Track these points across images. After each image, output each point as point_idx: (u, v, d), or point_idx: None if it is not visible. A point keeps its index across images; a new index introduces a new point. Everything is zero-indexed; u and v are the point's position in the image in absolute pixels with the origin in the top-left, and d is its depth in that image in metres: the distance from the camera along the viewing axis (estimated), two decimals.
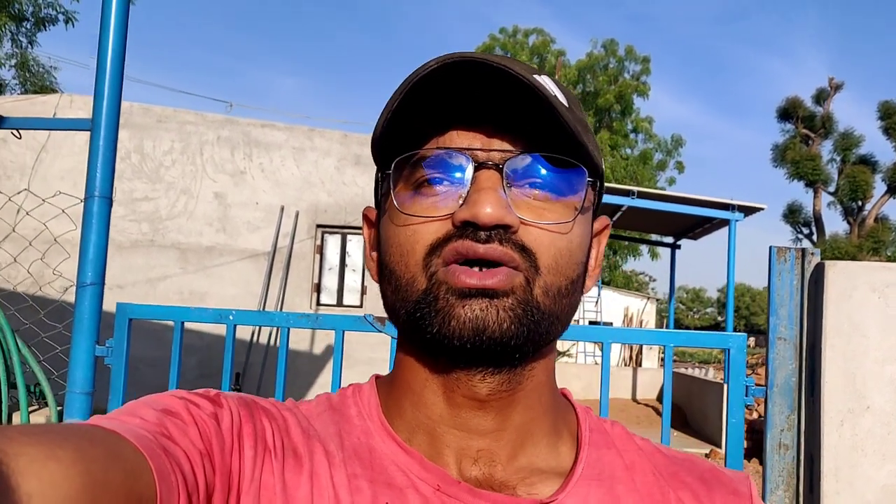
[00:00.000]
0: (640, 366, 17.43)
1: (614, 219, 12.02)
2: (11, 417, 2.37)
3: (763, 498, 2.14)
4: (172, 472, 0.52)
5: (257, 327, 7.90)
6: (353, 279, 8.89)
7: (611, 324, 20.48)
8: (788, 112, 29.72)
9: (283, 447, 0.64)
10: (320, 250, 8.88)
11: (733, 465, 2.12)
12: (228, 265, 8.63)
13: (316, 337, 8.42)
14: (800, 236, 30.19)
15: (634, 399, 14.03)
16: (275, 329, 8.07)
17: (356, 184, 8.73)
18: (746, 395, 2.14)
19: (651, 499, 0.67)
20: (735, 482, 0.72)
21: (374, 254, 0.72)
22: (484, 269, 0.59)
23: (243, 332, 7.81)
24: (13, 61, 18.55)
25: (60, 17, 17.36)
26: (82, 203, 2.32)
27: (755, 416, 9.96)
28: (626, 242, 26.04)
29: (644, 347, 18.41)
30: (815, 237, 29.25)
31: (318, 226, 8.84)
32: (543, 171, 0.62)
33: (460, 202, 0.60)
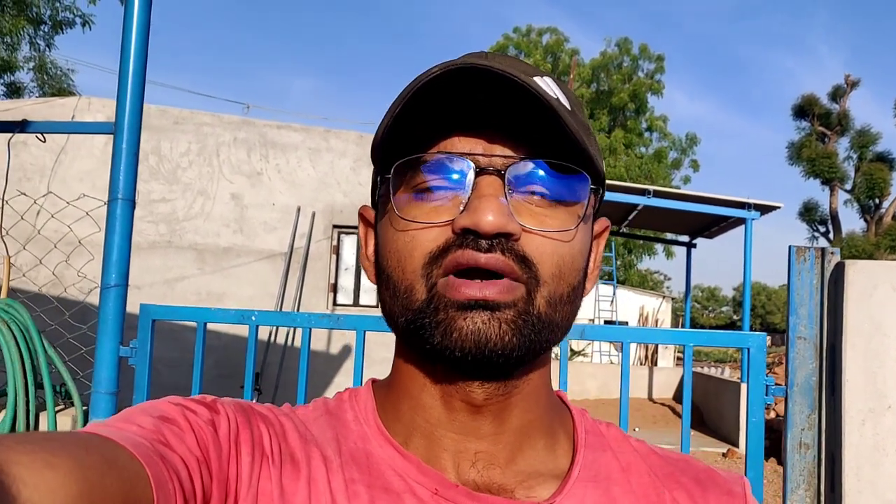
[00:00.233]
0: (656, 365, 17.38)
1: (629, 218, 11.99)
2: (38, 417, 2.40)
3: (784, 497, 2.14)
4: (169, 480, 0.52)
5: (274, 327, 7.94)
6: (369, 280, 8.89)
7: (626, 323, 20.43)
8: (804, 109, 29.53)
9: (281, 453, 0.64)
10: (336, 251, 8.92)
11: (753, 464, 2.12)
12: (245, 266, 8.68)
13: (333, 337, 8.45)
14: (816, 235, 29.99)
15: (650, 398, 13.98)
16: (292, 329, 8.10)
17: None
18: (767, 395, 2.14)
19: (647, 500, 0.68)
20: (730, 482, 0.72)
21: (371, 254, 0.72)
22: (484, 280, 0.59)
23: (261, 333, 7.84)
24: (31, 64, 18.71)
25: (77, 20, 17.49)
26: (105, 205, 2.35)
27: (773, 415, 9.91)
28: (642, 241, 25.96)
29: (660, 346, 18.34)
30: (831, 235, 29.03)
31: (335, 226, 8.87)
32: (546, 178, 0.62)
33: (461, 208, 0.59)
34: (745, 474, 2.13)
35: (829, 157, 28.19)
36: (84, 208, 2.77)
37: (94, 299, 2.54)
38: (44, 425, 2.41)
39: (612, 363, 16.70)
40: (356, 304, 8.88)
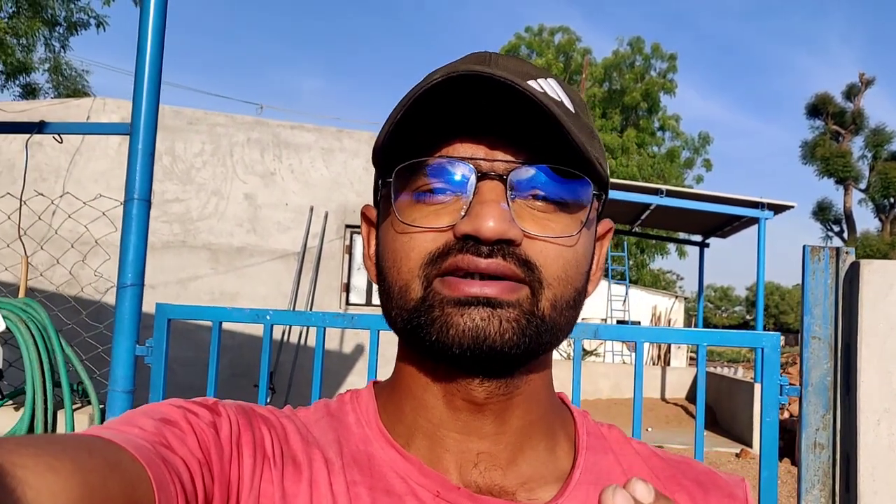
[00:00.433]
0: (669, 365, 17.32)
1: (642, 217, 11.96)
2: (56, 415, 2.43)
3: (798, 497, 2.14)
4: (171, 482, 0.52)
5: (288, 327, 7.97)
6: None
7: (639, 323, 20.38)
8: (818, 108, 29.39)
9: (283, 455, 0.64)
10: (349, 250, 8.94)
11: (768, 464, 2.11)
12: (259, 265, 8.71)
13: (346, 336, 8.47)
14: (830, 234, 29.85)
15: (663, 398, 13.93)
16: (305, 328, 8.13)
17: None
18: (781, 395, 2.14)
19: None
20: (731, 485, 0.72)
21: (373, 254, 0.72)
22: (485, 279, 0.59)
23: (275, 332, 7.86)
24: (47, 65, 18.85)
25: (92, 21, 17.61)
26: (120, 206, 2.37)
27: (787, 415, 9.86)
28: (654, 241, 25.88)
29: (672, 346, 18.28)
30: (845, 235, 28.88)
31: (347, 226, 8.89)
32: (548, 182, 0.61)
33: (462, 213, 0.59)
34: (760, 474, 2.13)
35: (843, 156, 28.04)
36: (100, 208, 2.79)
37: (110, 298, 2.57)
38: (61, 423, 2.43)
39: (624, 363, 16.66)
40: (369, 303, 8.90)
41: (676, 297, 23.89)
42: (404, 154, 0.62)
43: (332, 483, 0.62)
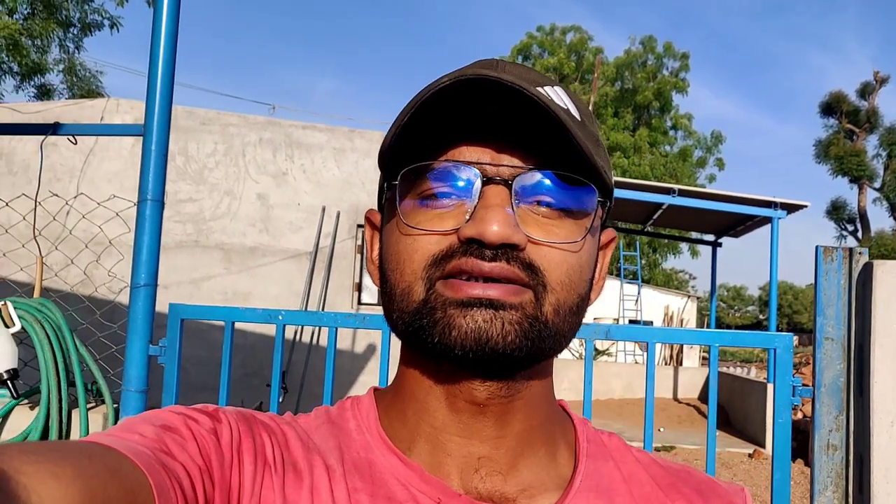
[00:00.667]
0: (681, 365, 17.26)
1: (654, 217, 11.92)
2: (71, 414, 2.44)
3: (811, 499, 2.13)
4: (172, 488, 0.52)
5: (300, 326, 7.99)
6: None
7: (651, 322, 20.31)
8: (832, 107, 29.22)
9: (283, 462, 0.64)
10: (361, 250, 8.96)
11: (780, 465, 2.11)
12: (271, 265, 8.74)
13: (358, 336, 8.49)
14: (844, 233, 29.67)
15: (675, 398, 13.89)
16: (317, 328, 8.15)
17: None
18: (793, 396, 2.13)
19: None
20: (731, 494, 0.72)
21: (376, 258, 0.72)
22: (488, 282, 0.59)
23: (287, 332, 7.90)
24: (61, 66, 18.98)
25: (106, 22, 17.71)
26: (134, 206, 2.39)
27: (800, 416, 9.81)
28: (667, 241, 25.79)
29: (685, 346, 18.21)
30: (859, 234, 28.69)
31: (359, 226, 8.91)
32: (553, 189, 0.61)
33: (466, 217, 0.59)
34: (772, 475, 2.12)
35: (857, 154, 27.87)
36: (114, 209, 2.81)
37: (123, 298, 2.58)
38: (76, 422, 2.45)
39: (636, 363, 16.61)
40: (381, 303, 8.92)
41: (689, 296, 23.80)
42: (410, 157, 0.62)
43: (334, 490, 0.62)
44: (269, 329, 2.25)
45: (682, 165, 30.41)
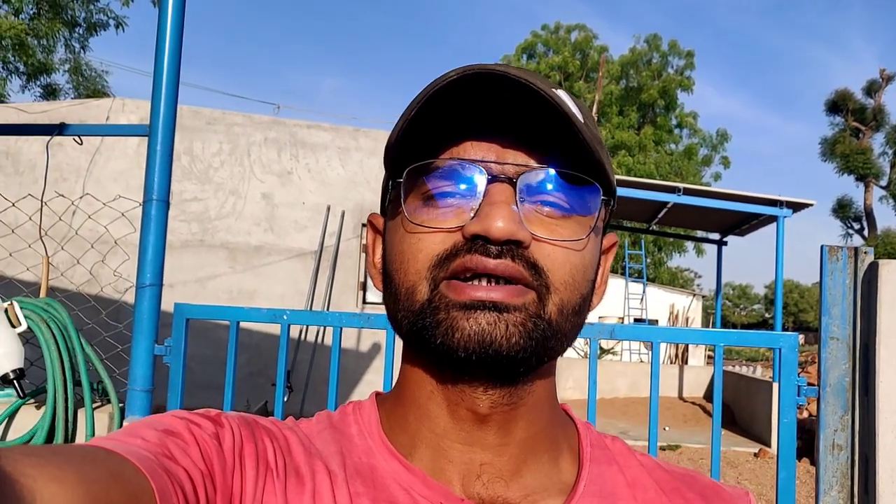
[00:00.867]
0: (687, 363, 17.23)
1: (659, 216, 11.90)
2: (77, 413, 2.45)
3: (816, 499, 2.12)
4: (174, 493, 0.52)
5: (306, 326, 8.00)
6: None
7: (656, 321, 20.28)
8: (838, 105, 29.15)
9: (285, 466, 0.64)
10: (366, 249, 8.98)
11: (785, 465, 2.10)
12: (276, 264, 8.76)
13: (363, 335, 8.50)
14: (850, 232, 29.61)
15: (681, 397, 13.87)
16: (322, 327, 8.16)
17: None
18: (798, 396, 2.12)
19: None
20: (735, 498, 0.72)
21: (378, 262, 0.72)
22: (491, 283, 0.58)
23: (292, 331, 7.91)
24: (67, 66, 19.03)
25: (111, 22, 17.75)
26: (140, 206, 2.39)
27: (805, 415, 9.79)
28: (672, 239, 25.76)
29: (690, 345, 18.19)
30: (866, 232, 28.62)
31: (364, 225, 8.92)
32: (557, 187, 0.61)
33: (471, 215, 0.59)
34: (777, 475, 2.12)
35: (863, 152, 27.81)
36: (119, 209, 2.82)
37: (129, 298, 2.59)
38: (82, 421, 2.46)
39: (642, 361, 16.59)
40: (384, 303, 8.93)
41: (694, 295, 23.75)
42: (415, 155, 0.62)
43: (336, 495, 0.62)
44: (275, 328, 2.26)
45: (688, 164, 30.39)
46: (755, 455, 9.33)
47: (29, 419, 2.48)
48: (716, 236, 13.75)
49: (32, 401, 2.52)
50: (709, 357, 20.47)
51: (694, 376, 14.30)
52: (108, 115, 8.40)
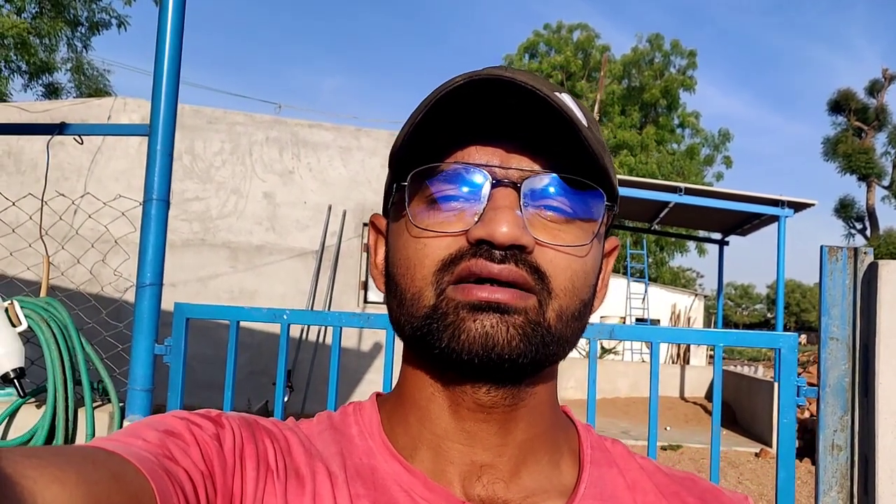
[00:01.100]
0: (688, 363, 17.23)
1: (661, 215, 11.90)
2: (77, 413, 2.46)
3: (816, 499, 2.12)
4: (174, 494, 0.52)
5: (307, 325, 8.00)
6: None
7: (658, 321, 20.27)
8: (840, 104, 29.11)
9: (286, 468, 0.64)
10: (367, 248, 8.98)
11: (785, 465, 2.10)
12: (277, 263, 8.76)
13: (364, 334, 8.51)
14: (853, 231, 29.58)
15: (682, 397, 13.87)
16: (323, 327, 8.17)
17: None
18: (798, 396, 2.12)
19: None
20: (735, 502, 0.72)
21: (381, 263, 0.72)
22: (495, 285, 0.59)
23: (293, 330, 7.90)
24: (69, 65, 19.06)
25: (113, 21, 17.78)
26: (140, 206, 2.40)
27: (807, 415, 9.78)
28: (674, 239, 25.75)
29: (692, 345, 18.18)
30: (868, 232, 28.59)
31: (365, 224, 8.92)
32: (561, 192, 0.61)
33: (475, 219, 0.59)
34: (777, 475, 2.12)
35: (865, 152, 27.78)
36: (120, 208, 2.82)
37: (129, 297, 2.59)
38: (82, 421, 2.46)
39: (643, 361, 16.58)
40: (386, 305, 8.93)
41: (696, 294, 23.73)
42: (419, 159, 0.62)
43: (336, 496, 0.62)
44: (276, 328, 2.26)
45: (690, 163, 30.37)
46: (756, 455, 9.33)
47: (29, 418, 2.48)
48: (717, 236, 13.75)
49: (33, 400, 2.53)
50: (710, 357, 20.45)
51: (695, 376, 14.30)
52: (110, 114, 8.41)
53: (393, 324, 0.67)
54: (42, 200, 2.72)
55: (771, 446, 9.45)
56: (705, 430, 10.59)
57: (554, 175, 0.61)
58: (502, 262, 0.58)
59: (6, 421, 2.48)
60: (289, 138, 8.90)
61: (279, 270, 8.76)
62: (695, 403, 13.22)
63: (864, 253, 2.13)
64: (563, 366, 0.74)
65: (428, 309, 0.60)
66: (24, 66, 17.22)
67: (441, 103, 0.59)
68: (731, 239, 13.33)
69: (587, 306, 0.65)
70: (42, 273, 2.81)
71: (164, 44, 2.40)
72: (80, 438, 2.43)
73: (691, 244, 29.35)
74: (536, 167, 0.61)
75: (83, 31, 18.03)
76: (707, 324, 24.93)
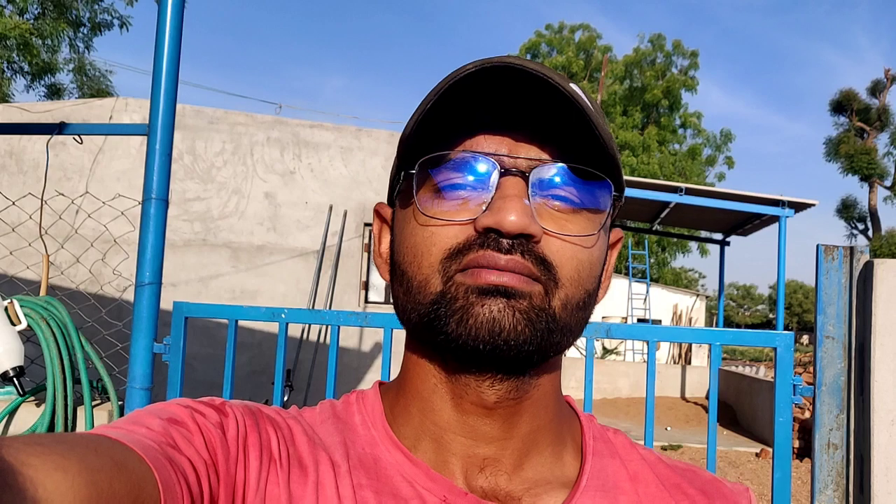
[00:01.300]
0: (690, 363, 17.22)
1: (661, 216, 11.90)
2: (76, 411, 2.47)
3: (812, 497, 2.13)
4: (177, 483, 0.52)
5: (307, 325, 8.01)
6: None
7: (659, 321, 20.27)
8: (842, 105, 29.08)
9: (289, 457, 0.63)
10: (368, 248, 8.97)
11: (781, 464, 2.11)
12: (279, 263, 8.77)
13: (364, 334, 8.51)
14: (855, 232, 29.54)
15: (683, 397, 13.87)
16: (324, 326, 8.18)
17: None
18: (794, 395, 2.13)
19: None
20: (735, 494, 0.72)
21: (385, 252, 0.72)
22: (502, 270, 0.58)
23: (294, 330, 7.93)
24: (71, 66, 19.09)
25: (116, 21, 17.81)
26: (139, 205, 2.41)
27: (807, 415, 9.78)
28: (675, 239, 25.74)
29: (693, 345, 18.18)
30: (870, 232, 28.56)
31: (366, 224, 8.93)
32: (569, 182, 0.61)
33: (483, 208, 0.59)
34: (773, 474, 2.13)
35: (868, 152, 27.74)
36: (119, 208, 2.83)
37: (129, 296, 2.60)
38: (81, 419, 2.47)
39: (644, 362, 16.56)
40: (388, 301, 8.93)
41: (698, 295, 23.73)
42: (427, 147, 0.62)
43: (339, 486, 0.62)
44: (276, 327, 2.27)
45: (692, 164, 30.38)
46: (756, 455, 9.33)
47: (29, 417, 2.49)
48: (718, 236, 13.74)
49: (32, 398, 2.54)
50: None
51: (696, 377, 14.29)
52: (111, 114, 8.43)
53: (398, 312, 0.67)
54: (42, 200, 2.74)
55: (771, 446, 9.44)
56: (706, 431, 10.54)
57: (562, 165, 0.61)
58: (509, 252, 0.58)
59: (6, 419, 2.50)
60: (290, 138, 8.91)
61: (280, 270, 8.77)
62: (696, 404, 13.21)
63: (860, 252, 2.13)
64: (564, 365, 0.73)
65: (436, 295, 0.60)
66: (26, 67, 17.26)
67: (452, 90, 0.59)
68: (734, 240, 13.33)
69: (592, 297, 0.65)
70: (42, 272, 2.82)
71: (162, 43, 2.41)
72: None
73: (693, 245, 29.36)
74: (545, 156, 0.61)
75: (85, 31, 18.07)
76: (709, 324, 24.91)
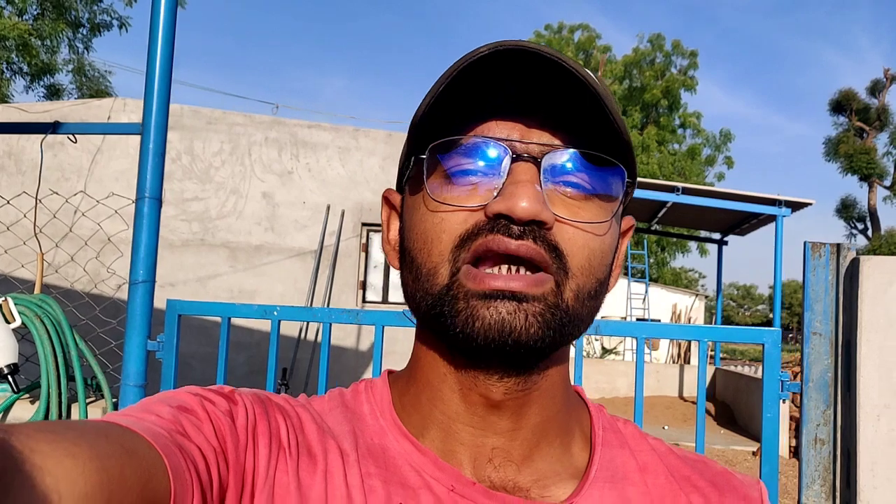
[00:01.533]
0: (689, 363, 17.22)
1: (659, 215, 11.92)
2: (70, 408, 2.48)
3: (799, 492, 2.15)
4: (187, 470, 0.52)
5: (305, 324, 8.03)
6: (398, 276, 8.96)
7: (658, 321, 20.28)
8: (842, 105, 29.10)
9: (298, 445, 0.63)
10: (366, 248, 8.99)
11: (768, 459, 2.12)
12: (276, 263, 8.79)
13: (362, 333, 8.53)
14: (854, 231, 29.55)
15: (681, 397, 13.87)
16: (322, 324, 8.19)
17: None
18: (782, 391, 2.14)
19: (662, 502, 0.67)
20: (746, 487, 0.71)
21: (394, 238, 0.71)
22: (510, 271, 0.58)
23: (291, 329, 7.94)
24: (70, 66, 19.11)
25: (115, 22, 17.83)
26: (133, 204, 2.42)
27: None
28: (674, 239, 25.75)
29: (692, 345, 18.18)
30: (870, 232, 28.57)
31: (364, 224, 8.95)
32: (582, 169, 0.60)
33: (494, 194, 0.58)
34: (760, 469, 2.14)
35: (867, 152, 27.76)
36: (114, 206, 2.85)
37: (123, 295, 2.62)
38: (75, 416, 2.49)
39: (645, 362, 16.57)
40: (385, 301, 8.95)
41: (697, 295, 23.74)
42: (438, 132, 0.61)
43: (347, 475, 0.62)
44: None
45: (691, 164, 30.38)
46: (753, 454, 9.33)
47: (23, 414, 2.51)
48: (717, 236, 13.76)
49: (27, 396, 2.56)
50: (710, 357, 20.46)
51: (695, 377, 14.28)
52: (110, 114, 8.44)
53: (408, 299, 0.66)
54: (36, 199, 2.75)
55: None
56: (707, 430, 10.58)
57: (574, 150, 0.60)
58: (520, 237, 0.57)
59: (0, 416, 2.51)
60: (287, 139, 8.93)
61: (278, 270, 8.79)
62: (693, 403, 13.22)
63: (847, 249, 2.15)
64: None
65: (441, 288, 0.60)
66: (25, 68, 17.28)
67: (465, 73, 0.58)
68: (735, 240, 13.39)
69: (603, 285, 0.64)
70: (36, 270, 2.83)
71: (156, 43, 2.42)
72: None
73: (693, 244, 29.38)
74: (557, 142, 0.60)
75: (84, 32, 18.09)
76: (708, 324, 24.91)
